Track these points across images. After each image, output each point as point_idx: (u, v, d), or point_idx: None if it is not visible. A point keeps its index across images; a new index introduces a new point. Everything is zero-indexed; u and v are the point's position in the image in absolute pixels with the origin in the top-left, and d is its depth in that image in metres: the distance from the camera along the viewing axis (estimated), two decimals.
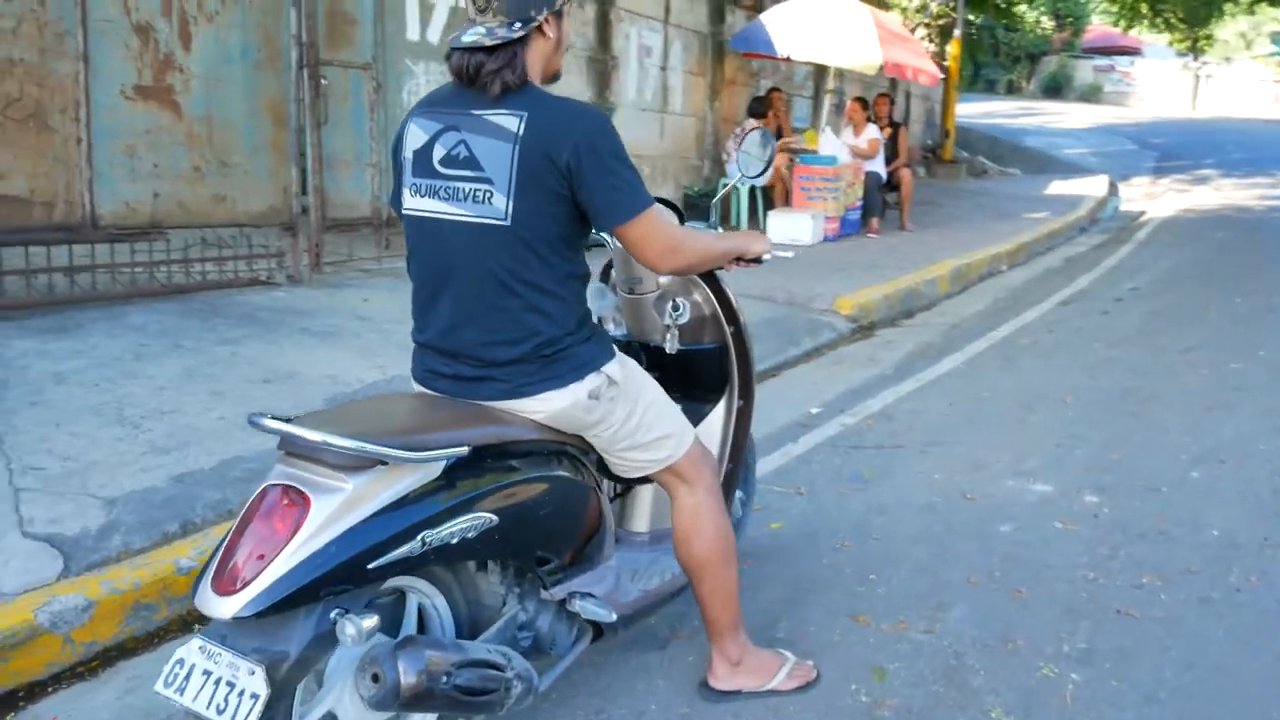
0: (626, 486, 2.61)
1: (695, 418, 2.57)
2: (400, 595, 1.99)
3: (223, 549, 1.72)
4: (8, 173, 5.40)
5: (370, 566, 1.73)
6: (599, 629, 2.29)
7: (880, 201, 10.03)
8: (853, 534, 3.36)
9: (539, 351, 2.04)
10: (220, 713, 1.62)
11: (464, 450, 1.88)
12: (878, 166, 9.96)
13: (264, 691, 1.62)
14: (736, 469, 2.74)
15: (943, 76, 14.37)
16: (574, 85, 8.71)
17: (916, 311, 7.11)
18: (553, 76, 2.13)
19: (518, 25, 1.98)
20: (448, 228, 2.04)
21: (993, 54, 30.28)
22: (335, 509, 1.71)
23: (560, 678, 2.23)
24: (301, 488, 1.73)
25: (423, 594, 2.01)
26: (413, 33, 7.49)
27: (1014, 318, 6.90)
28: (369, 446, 1.72)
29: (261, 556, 1.67)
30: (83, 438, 3.36)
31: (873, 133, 10.02)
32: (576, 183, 1.97)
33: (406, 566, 1.81)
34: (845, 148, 9.81)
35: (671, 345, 2.56)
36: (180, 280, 5.40)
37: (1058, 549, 3.28)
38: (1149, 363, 5.65)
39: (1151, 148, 21.08)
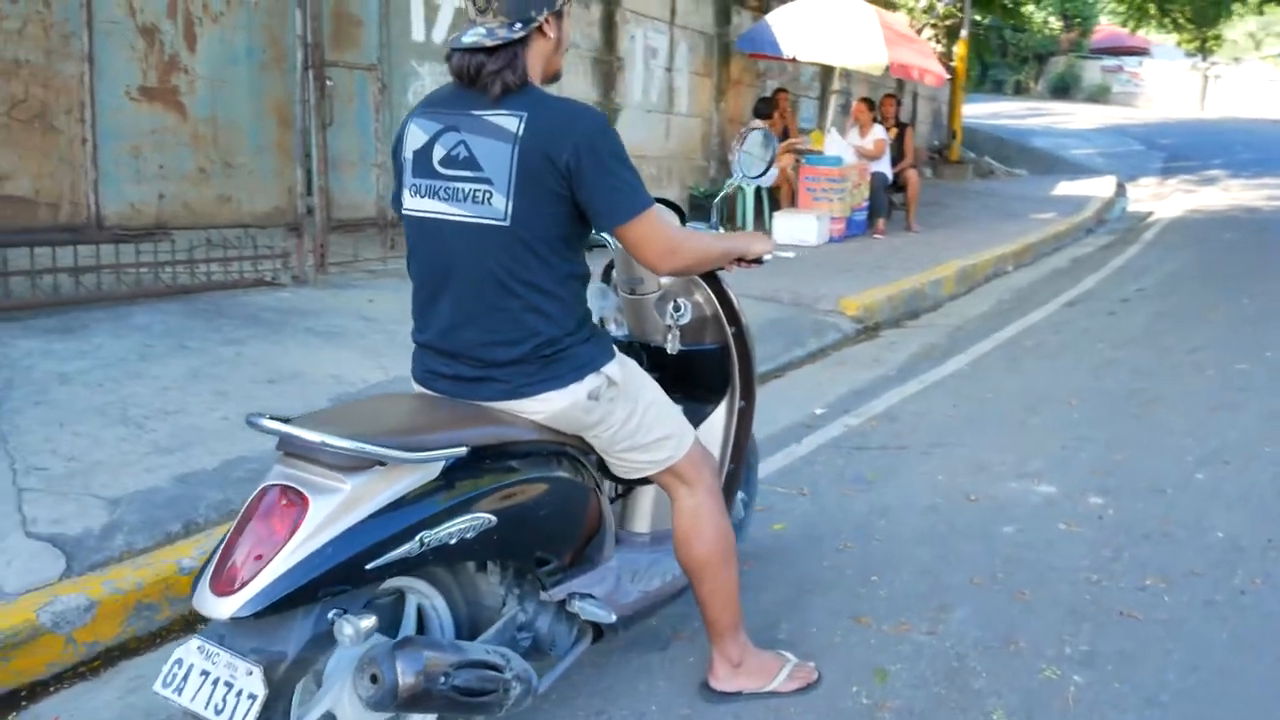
0: (627, 487, 2.61)
1: (696, 418, 2.57)
2: (399, 596, 1.99)
3: (221, 549, 1.72)
4: (13, 173, 5.41)
5: (368, 567, 1.73)
6: (599, 630, 2.29)
7: (886, 202, 10.02)
8: (855, 535, 3.36)
9: (539, 352, 2.04)
10: (218, 713, 1.63)
11: (463, 451, 1.88)
12: (884, 167, 9.94)
13: (262, 692, 1.63)
14: (738, 470, 2.73)
15: (949, 77, 14.37)
16: (579, 86, 8.72)
17: (921, 312, 7.10)
18: (553, 77, 2.13)
19: (518, 26, 1.98)
20: (447, 228, 2.04)
21: (1000, 54, 30.25)
22: (334, 509, 1.71)
23: (560, 679, 2.24)
24: (300, 488, 1.73)
25: (422, 594, 2.01)
26: (418, 34, 7.51)
27: (1019, 319, 6.88)
28: (367, 447, 1.72)
29: (260, 557, 1.67)
30: (86, 438, 3.37)
31: (879, 133, 10.00)
32: (576, 183, 1.97)
33: (405, 567, 1.81)
34: (851, 148, 9.80)
35: (673, 346, 2.56)
36: (185, 281, 5.40)
37: (1061, 551, 3.27)
38: (1154, 364, 5.63)
39: (1159, 148, 20.99)
